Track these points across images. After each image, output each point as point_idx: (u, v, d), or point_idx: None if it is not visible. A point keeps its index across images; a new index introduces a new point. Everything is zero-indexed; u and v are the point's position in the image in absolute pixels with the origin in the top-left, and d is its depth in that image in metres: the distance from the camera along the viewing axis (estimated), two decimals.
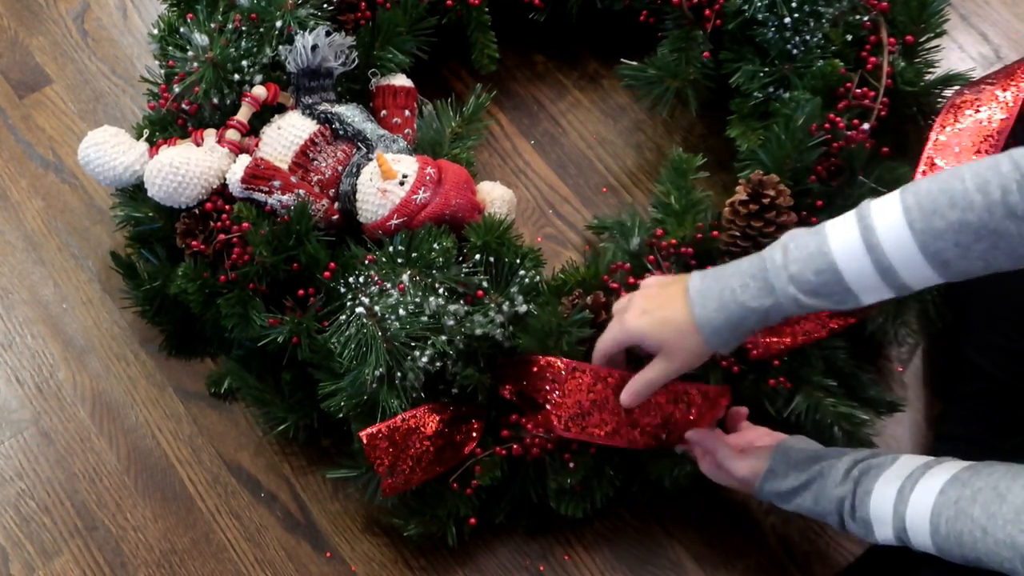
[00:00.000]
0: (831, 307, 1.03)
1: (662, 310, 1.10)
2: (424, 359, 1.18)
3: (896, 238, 0.95)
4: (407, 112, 1.40)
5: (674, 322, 1.09)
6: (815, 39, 1.38)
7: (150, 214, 1.34)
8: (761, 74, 1.40)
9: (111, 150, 1.33)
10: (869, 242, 0.96)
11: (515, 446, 1.22)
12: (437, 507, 1.25)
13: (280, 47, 1.35)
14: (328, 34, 1.34)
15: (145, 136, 1.37)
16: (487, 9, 1.50)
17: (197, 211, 1.29)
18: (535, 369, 1.20)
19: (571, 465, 1.22)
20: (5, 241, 1.52)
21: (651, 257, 1.28)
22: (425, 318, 1.18)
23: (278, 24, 1.33)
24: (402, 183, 1.26)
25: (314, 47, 1.32)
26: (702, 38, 1.45)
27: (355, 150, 1.32)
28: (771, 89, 1.40)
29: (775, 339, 1.25)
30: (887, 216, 0.96)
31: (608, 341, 1.17)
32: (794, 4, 1.35)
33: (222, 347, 1.40)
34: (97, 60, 1.66)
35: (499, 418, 1.26)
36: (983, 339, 1.30)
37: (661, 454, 1.24)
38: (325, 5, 1.38)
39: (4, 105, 1.63)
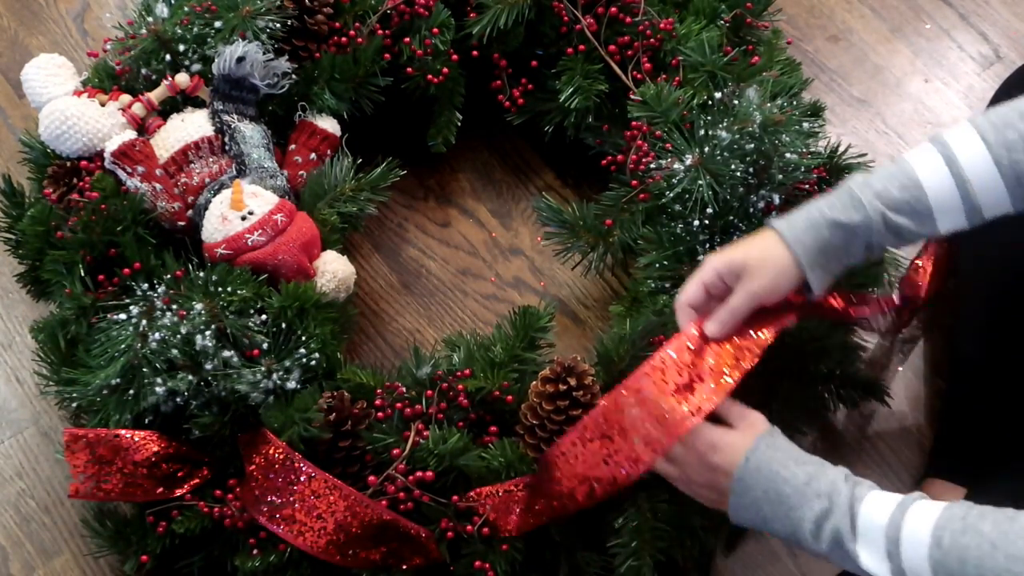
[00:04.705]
0: (915, 231, 1.05)
1: (744, 243, 1.10)
2: (160, 389, 1.17)
3: (974, 155, 1.01)
4: (314, 155, 1.38)
5: (758, 244, 1.08)
6: None
7: (48, 149, 1.37)
8: (658, 265, 1.30)
9: (46, 78, 1.38)
10: (948, 156, 1.02)
11: (216, 508, 1.20)
12: (129, 532, 1.23)
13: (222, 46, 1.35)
14: (266, 52, 1.34)
15: (83, 78, 1.40)
16: (463, 91, 1.47)
17: (70, 164, 1.32)
18: (257, 439, 1.18)
19: (255, 551, 1.18)
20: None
21: (429, 392, 1.22)
22: (178, 351, 1.17)
23: (217, 24, 1.33)
24: (245, 218, 1.25)
25: (240, 58, 1.32)
26: (640, 207, 1.37)
27: (231, 168, 1.32)
28: (666, 284, 1.30)
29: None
30: (966, 141, 1.02)
31: (689, 284, 1.11)
32: (711, 210, 1.25)
33: None
34: None
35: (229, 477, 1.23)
36: (967, 325, 1.36)
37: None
38: (279, 24, 1.35)
39: (4, 105, 1.68)
